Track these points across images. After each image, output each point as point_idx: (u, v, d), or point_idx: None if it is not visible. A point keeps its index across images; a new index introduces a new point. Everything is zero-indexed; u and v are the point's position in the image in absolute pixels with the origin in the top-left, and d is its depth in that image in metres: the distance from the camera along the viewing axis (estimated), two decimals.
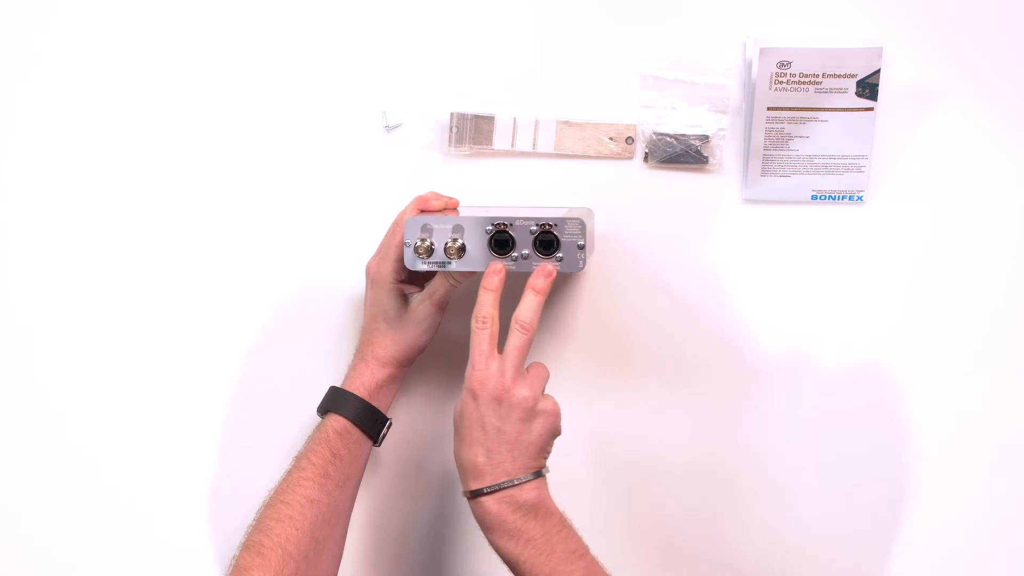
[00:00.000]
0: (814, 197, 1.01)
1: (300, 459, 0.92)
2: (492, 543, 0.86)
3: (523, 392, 0.85)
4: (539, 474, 0.86)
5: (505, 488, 0.84)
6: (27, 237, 1.03)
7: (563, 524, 0.86)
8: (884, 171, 1.00)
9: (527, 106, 1.01)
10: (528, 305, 0.86)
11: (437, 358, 1.00)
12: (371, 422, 0.94)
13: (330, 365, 1.01)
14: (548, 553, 0.84)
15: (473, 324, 0.86)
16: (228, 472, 1.04)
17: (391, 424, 0.96)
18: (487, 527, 0.85)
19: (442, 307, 0.94)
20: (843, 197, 1.00)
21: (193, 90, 1.01)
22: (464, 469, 0.86)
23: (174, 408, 1.04)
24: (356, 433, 0.93)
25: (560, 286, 1.02)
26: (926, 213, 1.01)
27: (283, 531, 0.88)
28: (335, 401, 0.94)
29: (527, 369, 0.87)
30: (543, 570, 0.83)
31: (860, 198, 1.01)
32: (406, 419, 1.04)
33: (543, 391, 0.87)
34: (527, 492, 0.85)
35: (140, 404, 1.04)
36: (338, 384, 0.95)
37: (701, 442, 1.03)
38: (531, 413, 0.85)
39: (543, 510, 0.85)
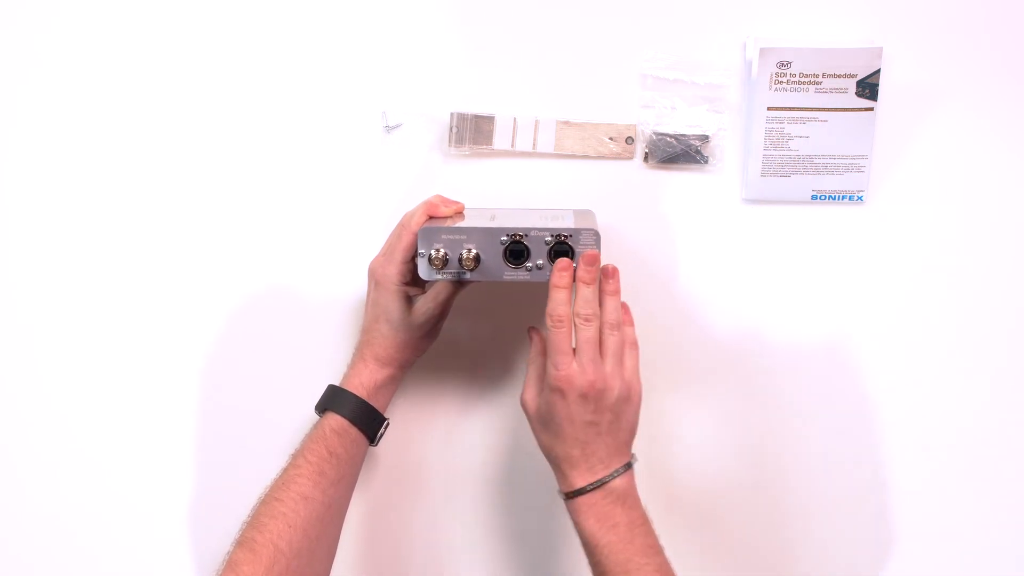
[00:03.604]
0: (814, 197, 1.00)
1: (296, 456, 0.92)
2: (576, 523, 0.87)
3: (608, 384, 0.86)
4: (629, 465, 0.88)
5: (605, 483, 0.86)
6: (29, 239, 1.03)
7: (645, 518, 0.87)
8: (884, 171, 1.00)
9: (527, 106, 1.01)
10: (583, 296, 0.86)
11: (436, 359, 1.00)
12: (369, 421, 0.93)
13: (329, 364, 1.00)
14: (628, 542, 0.85)
15: (549, 323, 0.86)
16: (224, 469, 1.04)
17: (388, 424, 0.95)
18: (575, 509, 0.87)
19: (445, 311, 0.94)
20: (843, 197, 1.00)
21: (193, 91, 1.02)
22: (558, 463, 0.88)
23: (172, 405, 1.04)
24: (353, 432, 0.92)
25: None
26: (926, 213, 1.01)
27: (276, 528, 0.87)
28: (333, 400, 0.94)
29: (612, 356, 0.87)
30: (620, 557, 0.84)
31: (860, 198, 1.00)
32: (403, 419, 1.03)
33: (631, 375, 0.88)
34: (619, 481, 0.87)
35: (137, 401, 1.04)
36: (336, 383, 0.95)
37: (701, 440, 1.03)
38: (619, 403, 0.87)
39: (630, 500, 0.87)
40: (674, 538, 0.89)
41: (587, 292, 0.87)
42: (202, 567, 1.04)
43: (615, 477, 0.87)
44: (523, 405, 0.90)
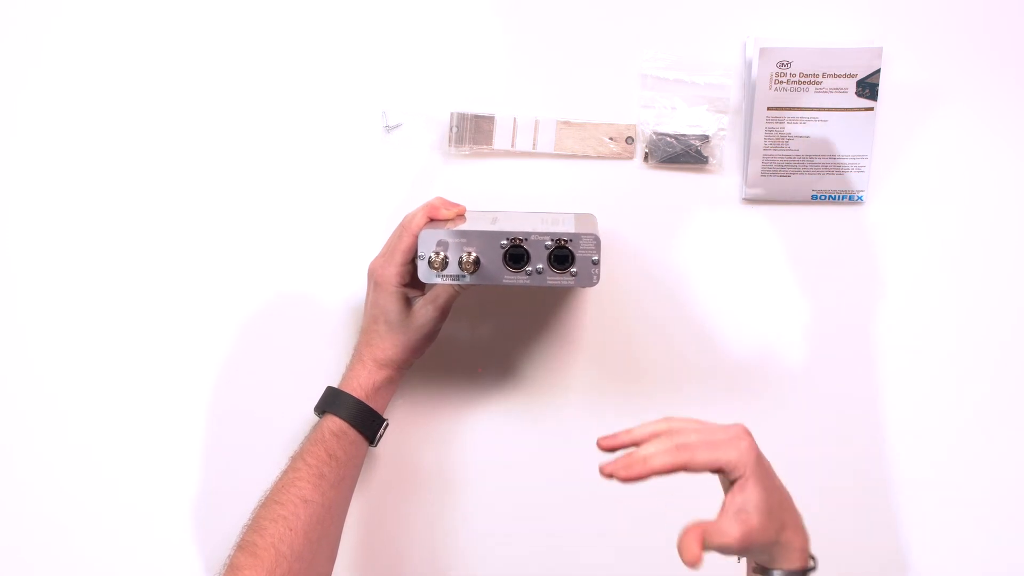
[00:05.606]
0: (814, 197, 1.01)
1: (295, 459, 0.92)
2: None
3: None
4: None
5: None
6: (30, 240, 1.02)
7: None
8: (884, 171, 1.00)
9: (527, 106, 1.01)
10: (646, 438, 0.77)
11: (435, 359, 1.00)
12: (368, 423, 0.93)
13: (328, 365, 1.00)
14: None
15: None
16: (224, 471, 1.04)
17: (387, 425, 0.95)
18: None
19: (444, 312, 0.94)
20: (843, 197, 1.00)
21: (193, 91, 1.01)
22: (796, 547, 0.77)
23: (171, 407, 1.03)
24: (352, 434, 0.92)
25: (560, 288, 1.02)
26: (926, 213, 1.01)
27: (276, 531, 0.87)
28: (332, 401, 0.94)
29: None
30: None
31: (860, 198, 1.01)
32: (403, 420, 1.03)
33: None
34: None
35: (137, 403, 1.03)
36: (335, 384, 0.95)
37: None
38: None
39: None
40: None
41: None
42: (202, 569, 1.03)
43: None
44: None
